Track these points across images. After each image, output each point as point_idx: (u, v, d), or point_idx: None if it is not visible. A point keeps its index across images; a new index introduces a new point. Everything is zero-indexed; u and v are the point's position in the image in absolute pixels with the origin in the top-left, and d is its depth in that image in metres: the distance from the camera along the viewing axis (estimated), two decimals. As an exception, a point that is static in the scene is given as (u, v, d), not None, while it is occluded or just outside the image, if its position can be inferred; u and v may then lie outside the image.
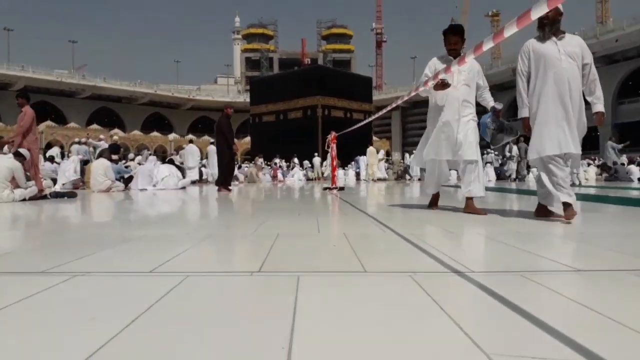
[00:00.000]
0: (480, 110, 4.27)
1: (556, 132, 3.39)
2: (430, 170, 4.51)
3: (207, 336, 1.08)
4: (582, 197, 6.81)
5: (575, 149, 3.42)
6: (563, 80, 3.40)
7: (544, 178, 3.48)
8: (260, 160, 21.47)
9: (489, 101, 4.26)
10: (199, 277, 1.68)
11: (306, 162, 24.22)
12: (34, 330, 1.11)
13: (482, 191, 4.22)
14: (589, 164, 18.76)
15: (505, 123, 4.09)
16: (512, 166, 17.99)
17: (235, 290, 1.55)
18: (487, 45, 2.11)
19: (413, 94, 4.14)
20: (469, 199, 4.18)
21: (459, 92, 4.18)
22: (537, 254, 2.11)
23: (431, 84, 3.80)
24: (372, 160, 19.61)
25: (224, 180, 9.62)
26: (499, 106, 4.13)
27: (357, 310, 1.28)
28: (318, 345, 1.01)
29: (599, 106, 3.50)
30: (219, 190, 9.45)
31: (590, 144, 42.96)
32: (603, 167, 18.24)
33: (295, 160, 23.62)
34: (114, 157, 12.03)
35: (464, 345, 0.99)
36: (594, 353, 0.94)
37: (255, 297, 1.45)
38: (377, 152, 20.81)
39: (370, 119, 10.04)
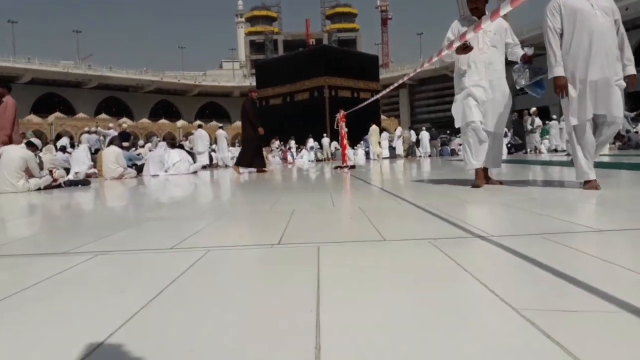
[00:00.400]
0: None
1: (594, 93, 3.18)
2: (466, 141, 3.93)
3: (235, 303, 1.09)
4: (596, 165, 6.72)
5: (612, 111, 3.18)
6: (602, 37, 3.17)
7: (577, 147, 3.28)
8: (276, 143, 21.61)
9: (520, 54, 3.84)
10: (220, 251, 1.69)
11: (315, 143, 24.16)
12: (67, 304, 1.13)
13: (500, 163, 4.14)
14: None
15: (532, 64, 3.73)
16: (537, 138, 17.65)
17: (257, 261, 1.56)
18: (505, 10, 2.07)
19: (435, 59, 3.94)
20: (485, 170, 4.03)
21: (485, 55, 3.84)
22: (556, 217, 2.10)
23: (446, 52, 3.64)
24: (375, 139, 19.73)
25: (242, 161, 9.68)
26: (530, 51, 3.77)
27: (380, 275, 1.28)
28: (345, 307, 1.02)
29: (631, 68, 3.27)
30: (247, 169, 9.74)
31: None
32: (616, 136, 17.99)
33: (311, 141, 23.48)
34: (125, 144, 12.09)
35: (492, 302, 0.99)
36: (625, 302, 0.94)
37: (278, 267, 1.46)
38: (392, 130, 20.88)
39: (376, 97, 9.97)
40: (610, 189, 3.31)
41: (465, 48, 3.68)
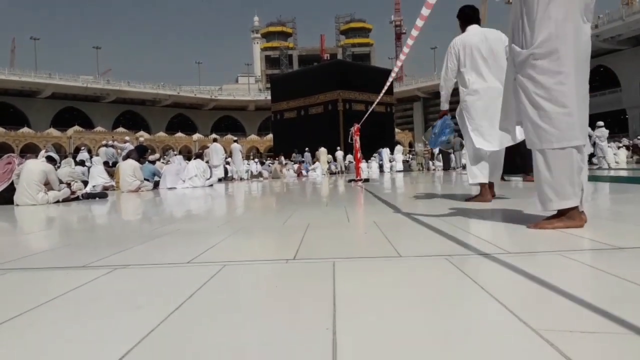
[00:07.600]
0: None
1: None
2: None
3: (252, 320, 1.09)
4: (612, 179, 6.64)
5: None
6: None
7: None
8: (282, 159, 22.08)
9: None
10: (236, 266, 1.70)
11: (329, 157, 24.21)
12: (84, 320, 1.15)
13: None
14: (619, 147, 18.21)
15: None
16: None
17: (273, 276, 1.56)
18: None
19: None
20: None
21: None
22: (575, 235, 2.06)
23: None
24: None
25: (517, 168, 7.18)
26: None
27: (396, 292, 1.28)
28: (362, 325, 1.01)
29: None
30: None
31: (620, 127, 42.03)
32: (634, 149, 17.72)
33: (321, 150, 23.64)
34: (151, 158, 12.19)
35: (511, 322, 0.98)
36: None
37: (294, 283, 1.46)
38: (406, 144, 21.70)
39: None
40: (629, 205, 3.25)
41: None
